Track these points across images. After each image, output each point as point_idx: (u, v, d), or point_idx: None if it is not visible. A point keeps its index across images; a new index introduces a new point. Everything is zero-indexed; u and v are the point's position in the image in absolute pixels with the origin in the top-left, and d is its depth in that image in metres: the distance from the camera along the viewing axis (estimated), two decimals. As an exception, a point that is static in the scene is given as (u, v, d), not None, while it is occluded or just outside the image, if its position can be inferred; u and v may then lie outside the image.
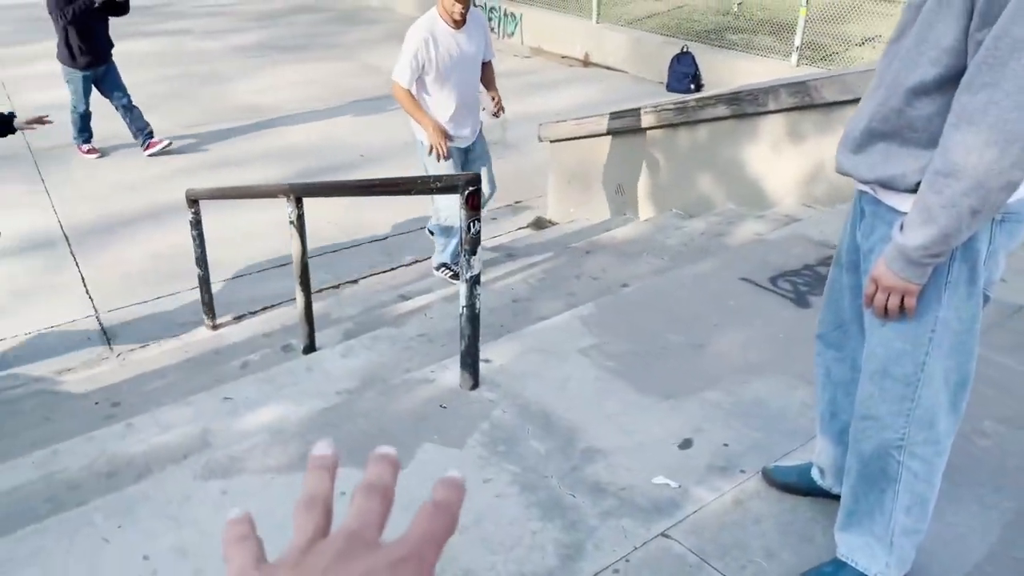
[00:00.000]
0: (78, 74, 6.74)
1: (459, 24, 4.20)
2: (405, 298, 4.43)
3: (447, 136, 4.32)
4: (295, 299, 3.68)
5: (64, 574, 2.04)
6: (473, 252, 2.52)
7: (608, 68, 10.14)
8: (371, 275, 5.18)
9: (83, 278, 5.19)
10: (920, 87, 1.52)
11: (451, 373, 2.81)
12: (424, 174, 4.42)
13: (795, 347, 2.95)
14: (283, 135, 7.78)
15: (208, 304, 4.54)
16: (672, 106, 5.14)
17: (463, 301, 2.61)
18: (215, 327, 4.55)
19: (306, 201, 3.45)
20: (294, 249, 3.47)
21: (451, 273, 4.64)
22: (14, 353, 4.38)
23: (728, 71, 8.87)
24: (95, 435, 2.98)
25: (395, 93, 4.30)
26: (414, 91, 4.27)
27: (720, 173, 4.98)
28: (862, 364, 1.78)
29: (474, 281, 2.57)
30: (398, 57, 4.26)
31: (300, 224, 3.39)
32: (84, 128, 7.06)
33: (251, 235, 5.59)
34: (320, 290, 4.88)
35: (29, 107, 7.49)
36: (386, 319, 3.98)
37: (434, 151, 4.31)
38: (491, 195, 4.70)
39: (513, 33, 11.39)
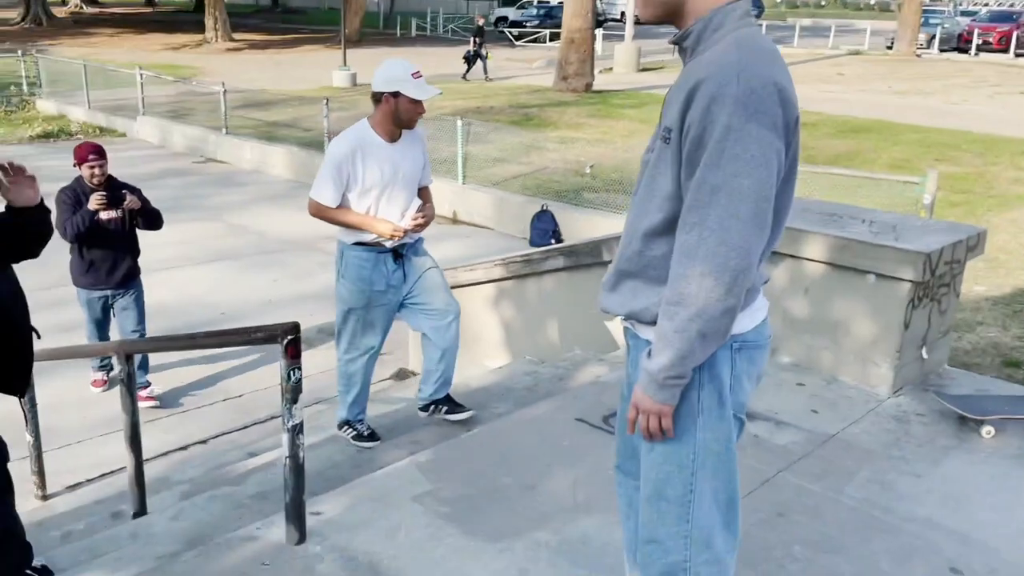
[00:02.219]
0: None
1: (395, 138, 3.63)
2: (253, 455, 4.31)
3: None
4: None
5: None
6: (294, 401, 2.53)
7: (475, 225, 10.58)
8: (221, 435, 5.03)
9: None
10: (651, 231, 1.72)
11: (278, 529, 2.74)
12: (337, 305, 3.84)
13: (622, 483, 3.04)
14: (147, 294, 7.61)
15: (39, 473, 4.27)
16: (520, 258, 5.41)
17: (286, 451, 2.59)
18: (45, 497, 4.26)
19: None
20: (124, 409, 3.37)
21: (354, 433, 3.89)
22: None
23: (589, 226, 9.42)
24: None
25: (312, 211, 3.66)
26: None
27: (565, 320, 5.22)
28: (640, 489, 1.88)
29: (296, 430, 2.57)
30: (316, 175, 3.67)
31: (130, 383, 3.31)
32: None
33: (89, 400, 5.35)
34: (164, 453, 4.70)
35: None
36: (228, 478, 3.85)
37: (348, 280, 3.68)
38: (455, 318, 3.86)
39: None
